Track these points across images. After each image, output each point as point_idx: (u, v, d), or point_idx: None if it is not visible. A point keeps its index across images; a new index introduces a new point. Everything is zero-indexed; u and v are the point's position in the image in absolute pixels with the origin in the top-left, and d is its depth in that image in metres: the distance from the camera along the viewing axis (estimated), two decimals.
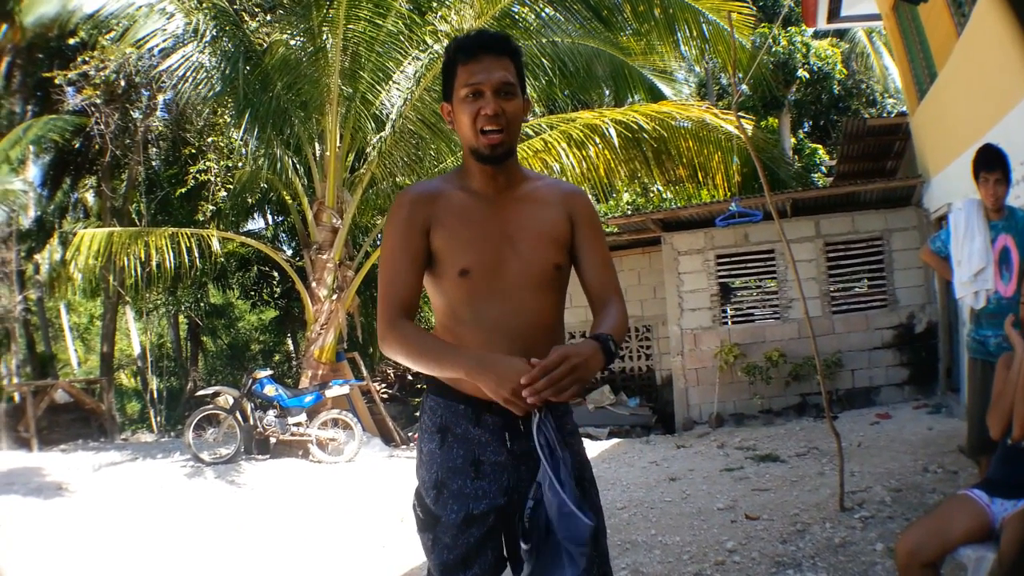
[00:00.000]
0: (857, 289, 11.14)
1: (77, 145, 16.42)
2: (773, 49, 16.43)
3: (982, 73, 6.50)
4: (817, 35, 17.56)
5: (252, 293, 20.44)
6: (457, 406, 2.05)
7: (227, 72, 9.98)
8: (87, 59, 12.83)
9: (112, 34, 11.36)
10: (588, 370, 1.82)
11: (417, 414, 10.22)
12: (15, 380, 17.23)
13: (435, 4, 11.01)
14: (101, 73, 13.07)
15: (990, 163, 4.26)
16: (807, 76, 17.78)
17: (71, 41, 13.40)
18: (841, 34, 19.38)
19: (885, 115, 17.72)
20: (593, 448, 9.51)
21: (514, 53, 2.00)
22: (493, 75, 1.93)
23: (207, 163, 13.26)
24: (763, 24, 15.69)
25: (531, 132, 10.53)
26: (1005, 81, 5.93)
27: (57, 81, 13.71)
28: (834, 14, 10.11)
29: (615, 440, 10.23)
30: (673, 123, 10.30)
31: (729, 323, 10.89)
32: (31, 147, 15.17)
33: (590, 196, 13.42)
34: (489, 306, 2.00)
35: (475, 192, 2.06)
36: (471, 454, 2.03)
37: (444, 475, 2.04)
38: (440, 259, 2.00)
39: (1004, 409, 3.08)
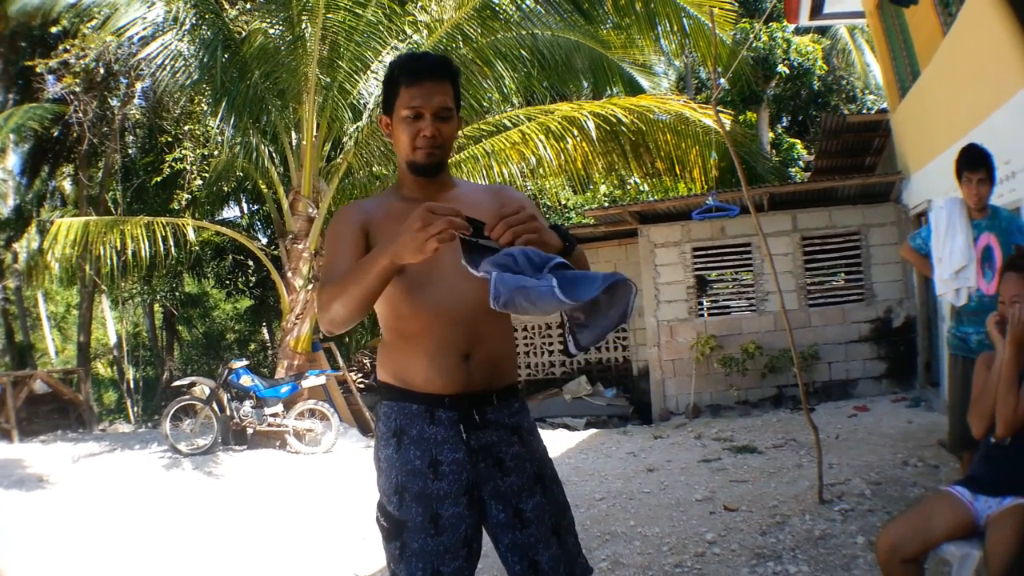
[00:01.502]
0: (834, 283, 11.21)
1: (56, 133, 16.27)
2: (753, 44, 16.44)
3: (967, 72, 6.53)
4: (798, 31, 17.55)
5: (227, 282, 20.30)
6: (410, 407, 2.08)
7: (205, 60, 9.93)
8: (68, 47, 12.72)
9: (93, 22, 11.31)
10: (544, 232, 1.86)
11: None
12: None
13: None
14: (81, 61, 12.97)
15: (974, 163, 4.27)
16: (787, 72, 17.77)
17: (53, 30, 13.28)
18: (823, 31, 19.39)
19: (865, 111, 17.81)
20: (571, 439, 9.55)
21: (454, 77, 2.11)
22: (433, 100, 2.04)
23: (183, 151, 13.19)
24: (744, 19, 15.72)
25: (508, 124, 10.55)
26: (991, 80, 5.95)
27: (38, 69, 13.62)
28: (817, 11, 10.13)
29: (592, 431, 10.27)
30: (652, 116, 10.33)
31: (705, 315, 10.94)
32: (11, 136, 15.06)
33: (567, 188, 13.53)
34: (428, 295, 2.04)
35: (410, 199, 2.12)
36: (428, 454, 2.06)
37: (404, 479, 2.06)
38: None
39: (986, 408, 3.10)
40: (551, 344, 12.58)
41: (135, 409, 19.58)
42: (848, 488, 5.49)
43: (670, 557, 4.47)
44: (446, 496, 2.04)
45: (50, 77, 14.54)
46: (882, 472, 5.90)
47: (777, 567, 4.11)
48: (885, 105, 11.47)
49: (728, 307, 11.19)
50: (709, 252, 10.84)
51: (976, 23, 6.11)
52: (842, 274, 11.17)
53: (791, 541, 4.50)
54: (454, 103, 2.10)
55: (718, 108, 6.71)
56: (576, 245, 2.01)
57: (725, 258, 10.91)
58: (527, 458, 2.14)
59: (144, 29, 9.90)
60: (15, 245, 18.70)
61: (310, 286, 10.40)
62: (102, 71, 14.02)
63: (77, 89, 13.74)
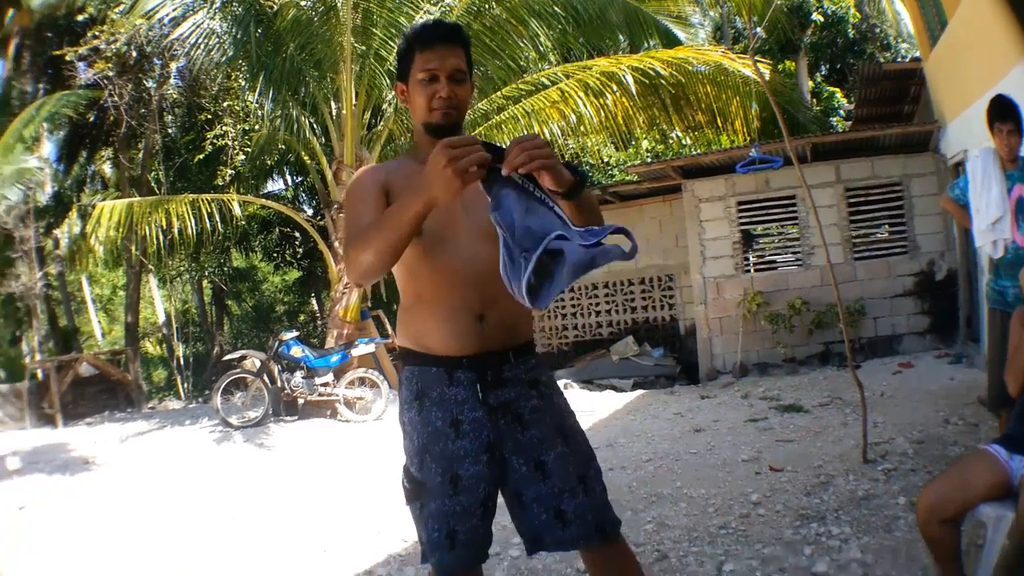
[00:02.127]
0: (878, 235, 11.04)
1: (92, 119, 16.42)
2: None
3: (992, 22, 6.36)
4: None
5: (275, 255, 20.53)
6: (429, 370, 2.16)
7: (239, 36, 9.91)
8: (97, 34, 12.77)
9: (121, 7, 11.34)
10: (556, 161, 1.88)
11: None
12: (38, 356, 17.44)
13: None
14: (112, 46, 13.01)
15: (1002, 114, 4.27)
16: (821, 20, 17.53)
17: (80, 18, 13.42)
18: None
19: (900, 60, 17.50)
20: (618, 400, 9.55)
21: (465, 43, 2.18)
22: (447, 62, 2.11)
23: (224, 128, 13.22)
24: None
25: (547, 82, 10.43)
26: (1014, 31, 5.78)
27: (68, 58, 13.64)
28: None
29: (640, 391, 10.27)
30: (690, 68, 10.15)
31: (751, 271, 10.82)
32: (45, 124, 15.17)
33: (609, 145, 13.40)
34: (444, 258, 2.10)
35: (427, 161, 2.11)
36: (449, 414, 2.12)
37: (426, 440, 2.12)
38: None
39: (1021, 366, 3.03)
40: (598, 305, 12.55)
41: (185, 385, 19.89)
42: (892, 447, 5.46)
43: (715, 519, 4.47)
44: (467, 455, 2.09)
45: (80, 64, 14.61)
46: (925, 430, 5.84)
47: (820, 528, 4.10)
48: (918, 53, 11.22)
49: (774, 262, 11.07)
50: (754, 206, 10.73)
51: None
52: (886, 226, 10.98)
53: (835, 502, 4.49)
54: (467, 68, 2.17)
55: (756, 58, 6.58)
56: (587, 180, 2.04)
57: (770, 212, 10.78)
58: (547, 410, 2.20)
59: (174, 10, 9.92)
60: (56, 231, 18.93)
61: None
62: (135, 54, 14.07)
63: (110, 74, 13.79)
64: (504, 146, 1.86)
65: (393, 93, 10.19)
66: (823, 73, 20.32)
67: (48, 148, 18.78)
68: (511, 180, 1.83)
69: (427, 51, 2.11)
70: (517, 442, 2.14)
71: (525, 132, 9.85)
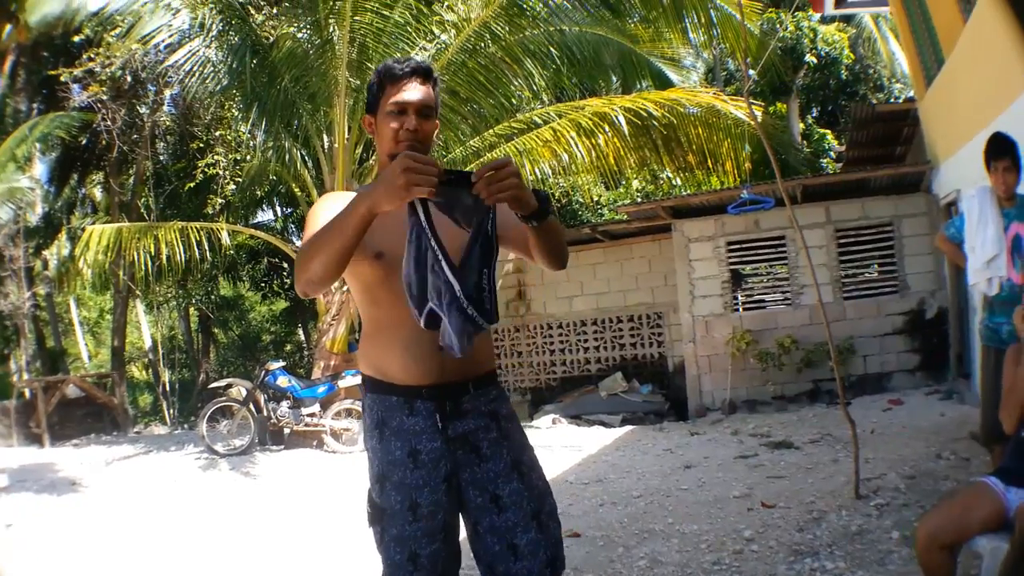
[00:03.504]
0: (867, 275, 11.11)
1: (84, 141, 16.38)
2: (781, 35, 16.34)
3: (989, 59, 6.45)
4: (824, 20, 17.46)
5: (263, 285, 20.53)
6: (390, 399, 2.18)
7: (234, 66, 9.93)
8: (92, 56, 12.77)
9: (117, 31, 11.29)
10: (524, 188, 1.93)
11: None
12: (25, 376, 17.31)
13: None
14: (107, 70, 13.02)
15: (999, 151, 4.31)
16: (815, 61, 17.71)
17: (76, 39, 13.35)
18: (848, 19, 19.27)
19: (892, 100, 17.68)
20: (607, 436, 9.53)
21: (435, 82, 2.27)
22: (415, 97, 2.19)
23: (215, 157, 13.23)
24: (770, 9, 15.63)
25: (539, 121, 10.50)
26: (1012, 68, 5.88)
27: (63, 79, 13.64)
28: (841, 0, 10.06)
29: (628, 427, 10.24)
30: (682, 110, 10.23)
31: (740, 310, 10.86)
32: (37, 144, 15.12)
33: (599, 184, 13.47)
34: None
35: None
36: (408, 444, 2.14)
37: (385, 468, 2.16)
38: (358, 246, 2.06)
39: (1016, 403, 3.08)
40: (586, 341, 12.55)
41: (171, 411, 19.74)
42: (883, 483, 5.47)
43: (708, 555, 4.47)
44: (424, 485, 2.12)
45: (75, 86, 14.53)
46: (916, 466, 5.88)
47: (814, 563, 4.12)
48: (912, 94, 11.35)
49: (763, 301, 11.11)
50: (743, 246, 10.78)
51: (992, 10, 6.02)
52: (875, 266, 11.06)
53: (828, 537, 4.50)
54: (434, 105, 2.25)
55: (749, 100, 6.69)
56: (551, 208, 2.07)
57: (759, 252, 10.84)
58: (505, 444, 2.23)
59: (170, 36, 9.93)
60: (45, 252, 18.87)
61: (345, 287, 10.42)
62: (129, 79, 14.03)
63: (104, 97, 13.74)
64: (470, 171, 1.92)
65: None
66: (814, 115, 20.53)
67: (40, 169, 18.74)
68: (461, 202, 1.89)
69: (397, 84, 2.19)
70: (474, 474, 2.18)
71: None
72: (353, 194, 2.21)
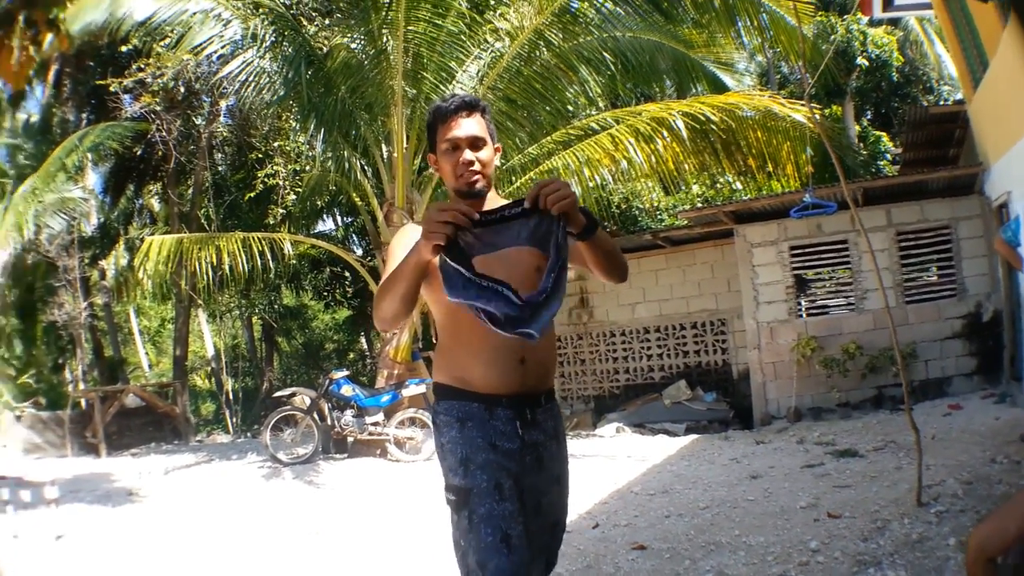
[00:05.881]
0: (927, 278, 10.92)
1: (139, 152, 16.62)
2: (832, 38, 16.21)
3: None
4: (872, 23, 17.34)
5: (325, 294, 20.78)
6: (471, 405, 2.31)
7: (289, 76, 10.00)
8: (142, 66, 12.87)
9: (167, 41, 11.42)
10: (574, 202, 2.08)
11: None
12: (81, 386, 17.56)
13: (494, 2, 11.03)
14: (158, 80, 13.15)
15: None
16: (866, 64, 17.60)
17: (124, 48, 13.41)
18: (895, 22, 19.16)
19: (942, 102, 17.49)
20: (672, 445, 9.45)
21: (483, 111, 2.42)
22: (465, 131, 2.35)
23: (275, 167, 13.36)
24: (820, 12, 15.52)
25: (597, 127, 10.47)
26: None
27: (112, 89, 13.78)
28: (888, 3, 9.93)
29: (693, 436, 10.15)
30: (740, 114, 10.15)
31: (804, 315, 10.73)
32: (88, 155, 15.32)
33: (658, 190, 13.38)
34: None
35: None
36: (488, 437, 2.28)
37: (468, 452, 2.26)
38: (435, 274, 2.20)
39: None
40: (649, 349, 12.49)
41: (234, 420, 19.91)
42: (943, 489, 5.40)
43: (775, 567, 4.43)
44: (504, 469, 2.26)
45: (126, 96, 14.68)
46: (973, 471, 5.81)
47: (877, 573, 4.11)
48: (961, 95, 11.17)
49: (826, 306, 10.97)
50: (806, 250, 10.66)
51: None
52: (934, 268, 10.87)
53: (891, 546, 4.47)
54: (487, 133, 2.40)
55: (810, 103, 6.62)
56: (599, 225, 2.22)
57: (822, 256, 10.70)
58: (556, 459, 2.43)
59: (222, 47, 10.04)
60: (101, 262, 19.15)
61: None
62: (182, 89, 14.17)
63: (158, 108, 13.87)
64: (521, 199, 2.12)
65: None
66: (868, 117, 20.32)
67: (93, 179, 19.05)
68: (462, 258, 2.04)
69: (446, 122, 2.36)
70: (532, 481, 2.33)
71: (576, 177, 9.90)
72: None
